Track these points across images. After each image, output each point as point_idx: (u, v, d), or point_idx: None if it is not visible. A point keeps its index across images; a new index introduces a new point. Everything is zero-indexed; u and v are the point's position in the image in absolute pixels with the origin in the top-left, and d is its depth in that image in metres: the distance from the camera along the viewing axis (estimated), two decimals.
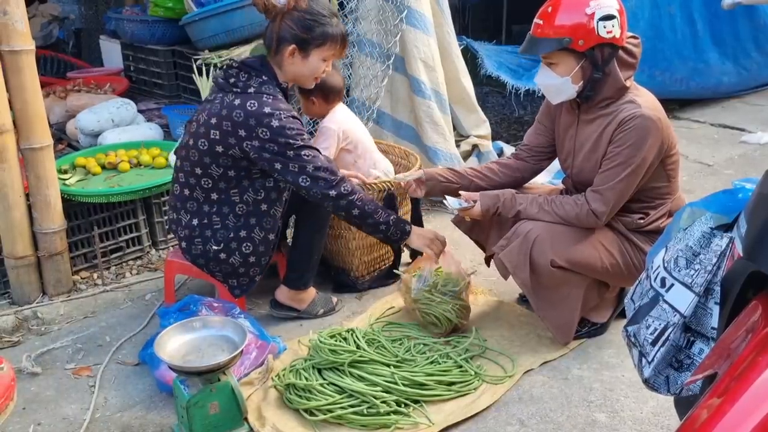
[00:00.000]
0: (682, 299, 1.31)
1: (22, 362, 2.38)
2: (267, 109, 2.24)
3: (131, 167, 3.22)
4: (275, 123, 2.23)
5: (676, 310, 1.32)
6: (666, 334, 1.33)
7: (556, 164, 2.66)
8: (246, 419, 2.06)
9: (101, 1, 5.97)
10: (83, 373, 2.38)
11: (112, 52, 5.07)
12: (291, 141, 2.25)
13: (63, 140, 3.72)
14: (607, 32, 2.17)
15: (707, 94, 5.51)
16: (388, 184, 2.74)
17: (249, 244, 2.39)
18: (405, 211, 2.95)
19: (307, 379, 2.19)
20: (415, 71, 3.55)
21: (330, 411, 2.09)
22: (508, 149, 4.15)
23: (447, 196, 2.49)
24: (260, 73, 2.32)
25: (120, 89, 4.31)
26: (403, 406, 2.14)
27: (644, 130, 2.18)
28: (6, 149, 2.58)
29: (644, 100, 2.24)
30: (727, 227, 1.29)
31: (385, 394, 2.14)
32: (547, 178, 3.62)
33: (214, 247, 2.39)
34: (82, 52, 6.05)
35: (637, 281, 1.48)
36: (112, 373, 2.39)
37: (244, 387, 2.19)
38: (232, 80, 2.31)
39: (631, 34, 2.28)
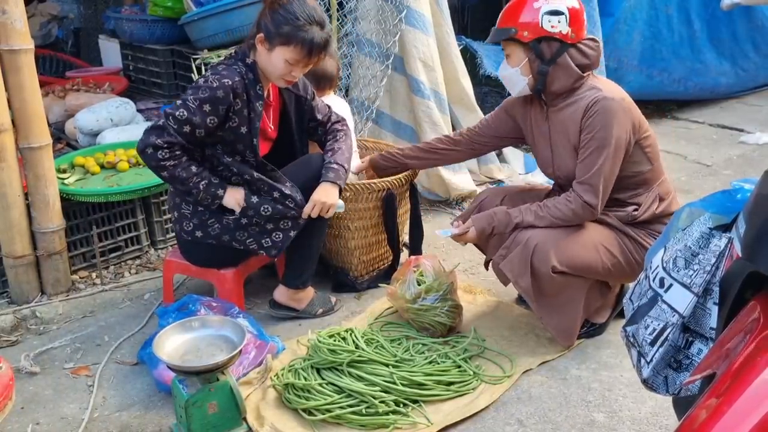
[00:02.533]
0: (681, 299, 1.31)
1: (20, 362, 2.38)
2: (209, 73, 2.31)
3: (130, 167, 3.21)
4: (201, 81, 2.29)
5: (675, 311, 1.32)
6: (665, 335, 1.33)
7: None
8: (245, 419, 2.06)
9: (100, 1, 5.96)
10: (82, 373, 2.38)
11: (111, 51, 5.06)
12: (189, 94, 2.26)
13: (62, 139, 3.71)
14: (552, 26, 2.25)
15: (705, 95, 5.52)
16: (388, 183, 2.74)
17: (267, 206, 2.38)
18: (404, 211, 2.95)
19: (305, 378, 2.19)
20: (415, 71, 3.55)
21: (329, 411, 2.09)
22: (507, 149, 4.15)
23: (436, 230, 2.57)
24: (236, 48, 2.40)
25: (119, 88, 4.31)
26: (401, 405, 2.14)
27: (610, 111, 2.24)
28: (5, 148, 2.58)
29: (604, 86, 2.32)
30: (726, 227, 1.29)
31: (383, 394, 2.14)
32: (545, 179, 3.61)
33: (231, 217, 2.40)
34: (81, 51, 6.04)
35: (636, 281, 1.48)
36: (111, 373, 2.38)
37: (242, 387, 2.19)
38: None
39: (591, 36, 2.34)
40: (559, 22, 2.25)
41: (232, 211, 2.40)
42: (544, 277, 2.27)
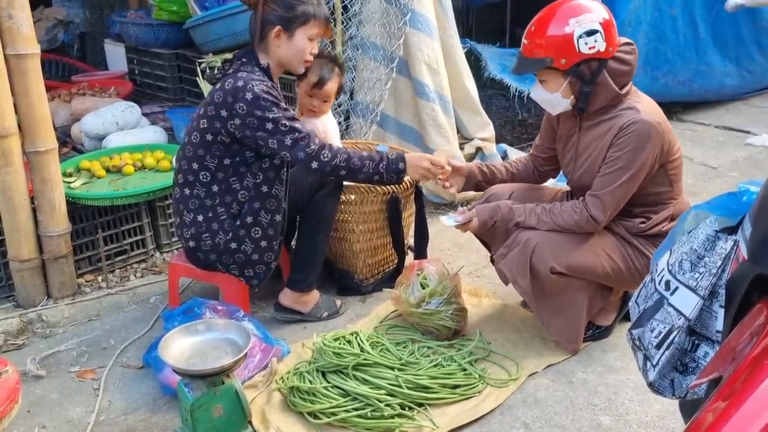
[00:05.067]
0: (687, 302, 1.30)
1: (26, 365, 2.38)
2: (240, 83, 2.28)
3: (135, 170, 3.22)
4: (249, 95, 2.26)
5: (681, 314, 1.31)
6: (671, 338, 1.33)
7: None
8: (250, 422, 2.06)
9: (106, 5, 5.99)
10: (87, 376, 2.39)
11: (116, 55, 5.08)
12: (267, 113, 2.26)
13: (67, 143, 3.73)
14: (590, 48, 2.18)
15: (710, 97, 5.50)
16: (392, 186, 2.74)
17: (257, 228, 2.41)
18: (409, 214, 2.95)
19: (311, 382, 2.19)
20: (419, 74, 3.55)
21: (334, 414, 2.09)
22: (512, 151, 4.15)
23: (442, 216, 2.52)
24: (242, 57, 2.39)
25: (124, 92, 4.32)
26: (407, 409, 2.14)
27: (644, 136, 2.19)
28: (11, 152, 2.59)
29: (644, 106, 2.25)
30: (732, 230, 1.29)
31: (389, 397, 2.13)
32: (552, 180, 3.61)
33: (225, 238, 2.40)
34: (87, 55, 6.07)
35: (642, 284, 1.48)
36: (117, 376, 2.39)
37: (248, 390, 2.19)
38: (220, 73, 2.42)
39: (625, 40, 2.28)
40: (596, 41, 2.16)
41: (274, 207, 2.43)
42: (543, 277, 2.27)
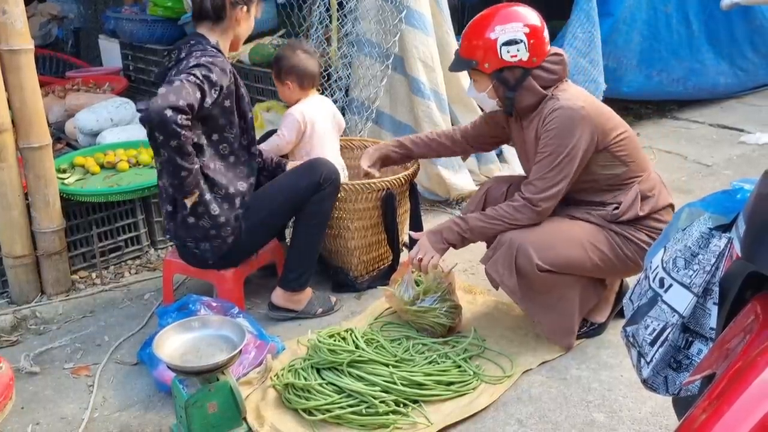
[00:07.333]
0: (681, 299, 1.31)
1: (20, 362, 2.38)
2: (192, 62, 2.23)
3: (130, 167, 3.22)
4: (192, 62, 2.22)
5: (675, 311, 1.32)
6: (665, 335, 1.33)
7: None
8: (245, 419, 2.06)
9: (100, 1, 5.97)
10: (82, 373, 2.38)
11: (111, 51, 5.08)
12: (192, 66, 2.19)
13: (62, 139, 3.72)
14: (512, 56, 2.26)
15: (704, 95, 5.52)
16: (387, 183, 2.74)
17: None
18: (404, 211, 2.95)
19: (305, 378, 2.19)
20: (415, 71, 3.55)
21: (329, 411, 2.09)
22: (507, 149, 4.15)
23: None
24: (189, 41, 2.36)
25: (119, 88, 4.32)
26: (401, 406, 2.14)
27: (566, 120, 2.23)
28: (5, 148, 2.58)
29: (566, 94, 2.30)
30: (726, 228, 1.30)
31: (383, 394, 2.14)
32: None
33: (185, 212, 2.35)
34: (81, 51, 6.05)
35: (636, 281, 1.48)
36: (111, 373, 2.39)
37: (242, 386, 2.19)
38: (169, 64, 2.34)
39: (554, 50, 2.34)
40: (518, 50, 2.25)
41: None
42: (530, 276, 2.27)
